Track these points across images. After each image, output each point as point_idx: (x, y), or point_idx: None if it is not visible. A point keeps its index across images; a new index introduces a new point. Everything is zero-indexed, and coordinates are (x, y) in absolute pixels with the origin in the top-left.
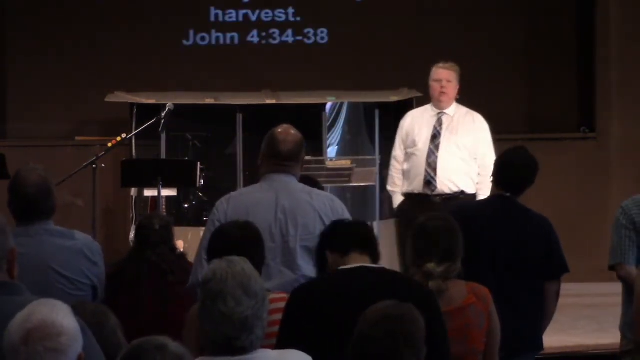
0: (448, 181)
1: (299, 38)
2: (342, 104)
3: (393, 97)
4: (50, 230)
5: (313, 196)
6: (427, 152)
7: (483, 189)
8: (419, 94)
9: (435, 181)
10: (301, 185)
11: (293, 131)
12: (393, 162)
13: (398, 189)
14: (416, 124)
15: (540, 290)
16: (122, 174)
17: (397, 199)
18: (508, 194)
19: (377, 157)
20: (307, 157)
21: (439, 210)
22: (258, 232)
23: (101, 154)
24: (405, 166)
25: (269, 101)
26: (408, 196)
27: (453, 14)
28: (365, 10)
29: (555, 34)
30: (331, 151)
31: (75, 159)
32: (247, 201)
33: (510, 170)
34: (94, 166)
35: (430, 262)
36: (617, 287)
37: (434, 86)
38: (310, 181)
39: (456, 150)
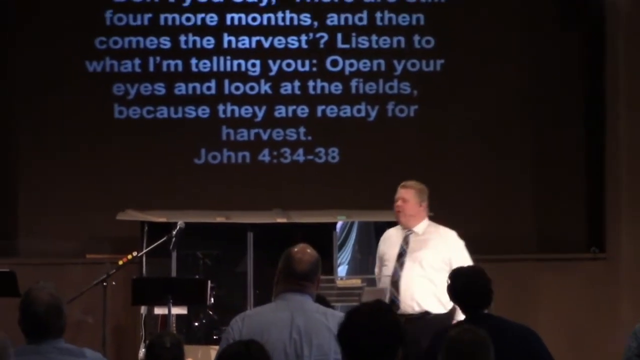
0: (411, 301)
1: (310, 157)
2: (352, 223)
3: None
4: (60, 349)
5: (328, 317)
6: (392, 270)
7: None
8: (430, 214)
9: (399, 301)
10: (316, 305)
11: (309, 250)
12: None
13: None
14: (388, 242)
15: None
16: (132, 292)
17: None
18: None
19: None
20: None
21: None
22: (262, 348)
23: (112, 271)
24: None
25: (279, 220)
26: None
27: (463, 137)
28: (377, 130)
29: (564, 153)
30: (341, 270)
31: (86, 277)
32: (262, 320)
33: (464, 292)
34: (104, 284)
35: None
36: None
37: (395, 205)
38: (319, 300)
39: (419, 269)
